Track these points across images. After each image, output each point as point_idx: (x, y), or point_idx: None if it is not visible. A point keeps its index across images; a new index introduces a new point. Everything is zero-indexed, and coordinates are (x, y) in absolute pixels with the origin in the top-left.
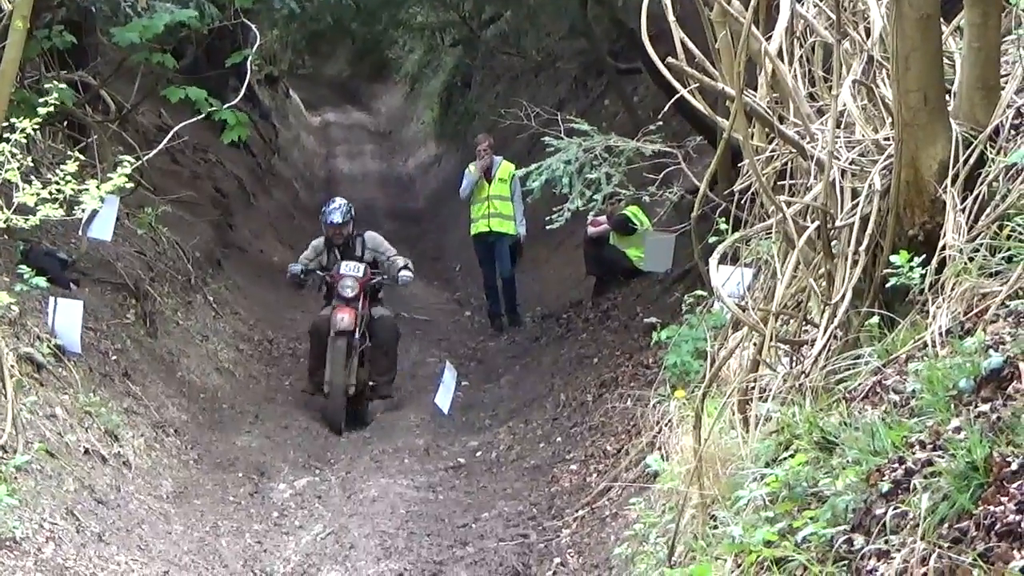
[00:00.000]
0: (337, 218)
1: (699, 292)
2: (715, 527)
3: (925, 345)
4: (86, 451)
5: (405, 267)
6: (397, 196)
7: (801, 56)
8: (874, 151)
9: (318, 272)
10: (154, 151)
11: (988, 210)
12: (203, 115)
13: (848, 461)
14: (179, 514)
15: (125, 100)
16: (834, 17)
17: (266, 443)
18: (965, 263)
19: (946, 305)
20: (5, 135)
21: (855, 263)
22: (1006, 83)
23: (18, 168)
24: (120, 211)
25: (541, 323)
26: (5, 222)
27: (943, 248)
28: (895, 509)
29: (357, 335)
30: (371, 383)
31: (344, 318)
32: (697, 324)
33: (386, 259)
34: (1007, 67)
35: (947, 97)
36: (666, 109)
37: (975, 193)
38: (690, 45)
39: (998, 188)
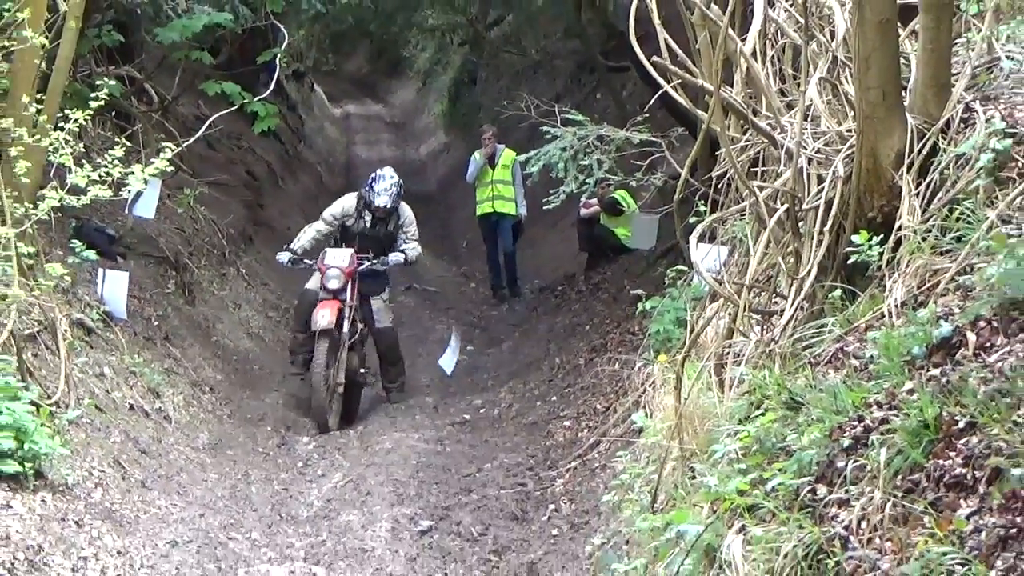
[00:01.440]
0: (383, 201)
1: (680, 267)
2: (693, 478)
3: (882, 316)
4: (131, 407)
5: (402, 250)
6: (410, 180)
7: (773, 56)
8: (838, 141)
9: (306, 260)
10: (193, 138)
11: (940, 195)
12: (236, 107)
13: (813, 419)
14: (214, 463)
15: (167, 92)
16: (802, 21)
17: (291, 400)
18: (919, 242)
19: (901, 280)
20: (60, 124)
21: (820, 242)
22: (956, 81)
23: (71, 153)
24: (162, 192)
25: (538, 294)
26: (59, 201)
27: (899, 229)
28: (855, 462)
29: (345, 329)
30: (385, 390)
31: (325, 316)
32: (678, 296)
33: (405, 239)
34: (957, 67)
35: (903, 93)
36: (651, 103)
37: (928, 180)
38: (673, 46)
39: (949, 175)
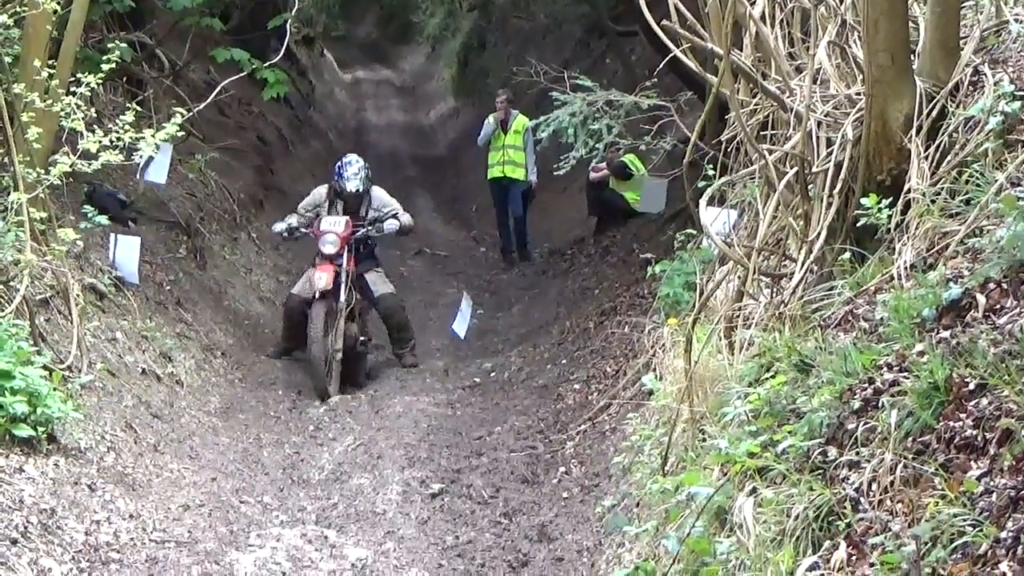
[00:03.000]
0: (352, 185)
1: (690, 231)
2: (704, 440)
3: (892, 278)
4: (143, 371)
5: (395, 216)
6: (420, 144)
7: (782, 19)
8: (847, 105)
9: (301, 229)
10: (203, 104)
11: (949, 158)
12: (246, 72)
13: (823, 381)
14: (226, 427)
15: (178, 58)
16: None
17: (303, 364)
18: (928, 205)
19: (911, 243)
20: (71, 89)
21: (829, 205)
22: (965, 44)
23: (83, 118)
24: (173, 157)
25: (548, 258)
26: (71, 166)
27: (908, 192)
28: (865, 424)
29: (342, 296)
30: (397, 356)
31: (323, 277)
32: (688, 259)
33: (385, 212)
34: (966, 30)
35: (912, 56)
36: (660, 67)
37: (937, 143)
38: (683, 9)
39: (957, 138)
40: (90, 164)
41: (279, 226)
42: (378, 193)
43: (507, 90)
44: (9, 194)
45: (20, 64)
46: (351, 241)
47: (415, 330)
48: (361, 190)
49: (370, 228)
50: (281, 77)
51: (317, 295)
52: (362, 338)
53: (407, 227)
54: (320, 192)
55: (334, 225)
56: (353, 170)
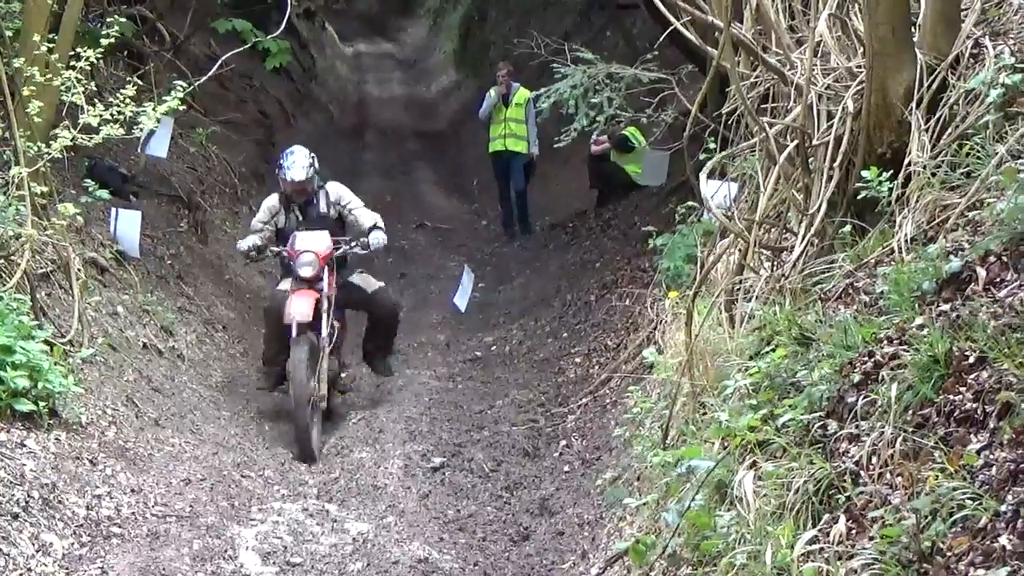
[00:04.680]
0: (299, 174)
1: (691, 203)
2: (704, 413)
3: (892, 251)
4: (144, 345)
5: (375, 227)
6: (421, 118)
7: None
8: (847, 77)
9: (272, 248)
10: (204, 77)
11: (949, 130)
12: (248, 45)
13: (823, 355)
14: (227, 401)
15: (178, 32)
16: None
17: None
18: (928, 178)
19: (911, 215)
20: (72, 63)
21: (830, 178)
22: (966, 16)
23: (83, 92)
24: (174, 131)
25: (549, 232)
26: (72, 140)
27: (909, 164)
28: (865, 398)
29: (324, 328)
30: (371, 358)
31: (301, 306)
32: (688, 232)
33: (350, 214)
34: (966, 2)
35: (913, 29)
36: (661, 40)
37: (937, 115)
38: None
39: (958, 111)
40: (91, 138)
41: (244, 243)
42: (336, 188)
43: (508, 63)
44: (10, 168)
45: (21, 38)
46: (331, 258)
47: (415, 307)
48: (305, 178)
49: (354, 245)
50: (283, 46)
51: (295, 331)
52: (342, 375)
53: (386, 239)
54: (272, 201)
55: (312, 243)
56: (294, 158)
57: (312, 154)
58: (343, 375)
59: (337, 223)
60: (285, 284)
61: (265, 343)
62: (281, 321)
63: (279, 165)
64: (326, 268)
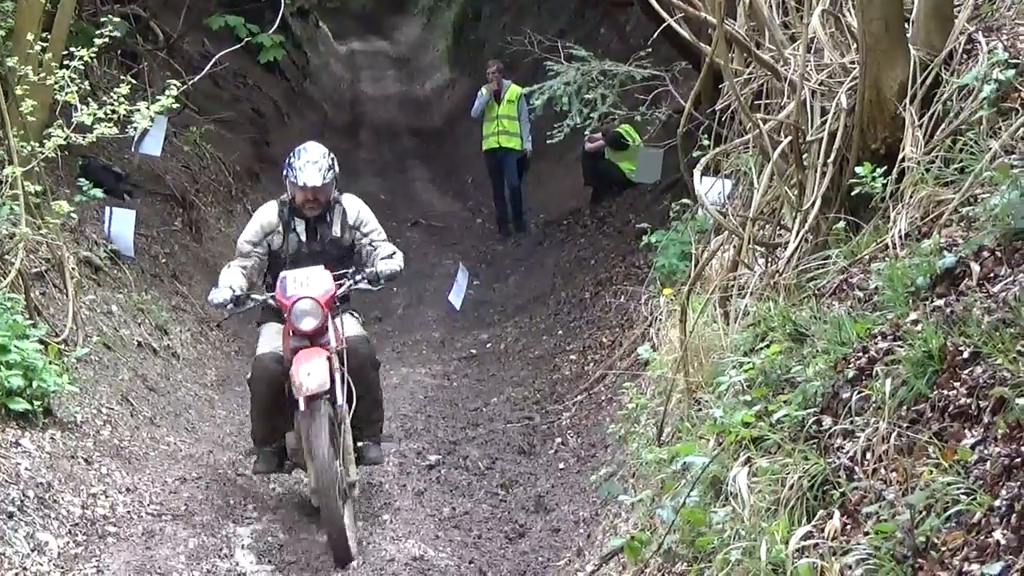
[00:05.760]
0: (314, 178)
1: (685, 200)
2: (699, 410)
3: (886, 247)
4: (139, 344)
5: (391, 256)
6: (415, 116)
7: None
8: (841, 73)
9: (253, 297)
10: (198, 76)
11: (943, 126)
12: (242, 43)
13: (817, 350)
14: (222, 400)
15: (172, 31)
16: None
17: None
18: (922, 174)
19: (905, 211)
20: (65, 62)
21: (824, 174)
22: (959, 12)
23: (77, 91)
24: (168, 130)
25: (544, 229)
26: (66, 139)
27: (902, 160)
28: (859, 393)
29: (340, 393)
30: (353, 439)
31: (315, 371)
32: (683, 229)
33: (368, 245)
34: None
35: (906, 25)
36: (655, 37)
37: (931, 111)
38: None
39: (952, 106)
40: (85, 137)
41: (218, 294)
42: (355, 204)
43: (498, 60)
44: (3, 167)
45: (14, 37)
46: (335, 303)
47: (409, 305)
48: (322, 184)
49: (361, 278)
50: (276, 41)
51: (303, 402)
52: (359, 443)
53: (401, 271)
54: (268, 214)
55: (310, 285)
56: (311, 157)
57: (331, 154)
58: (360, 444)
59: (348, 252)
60: (269, 343)
61: (255, 420)
62: (274, 392)
63: (288, 165)
64: (329, 315)
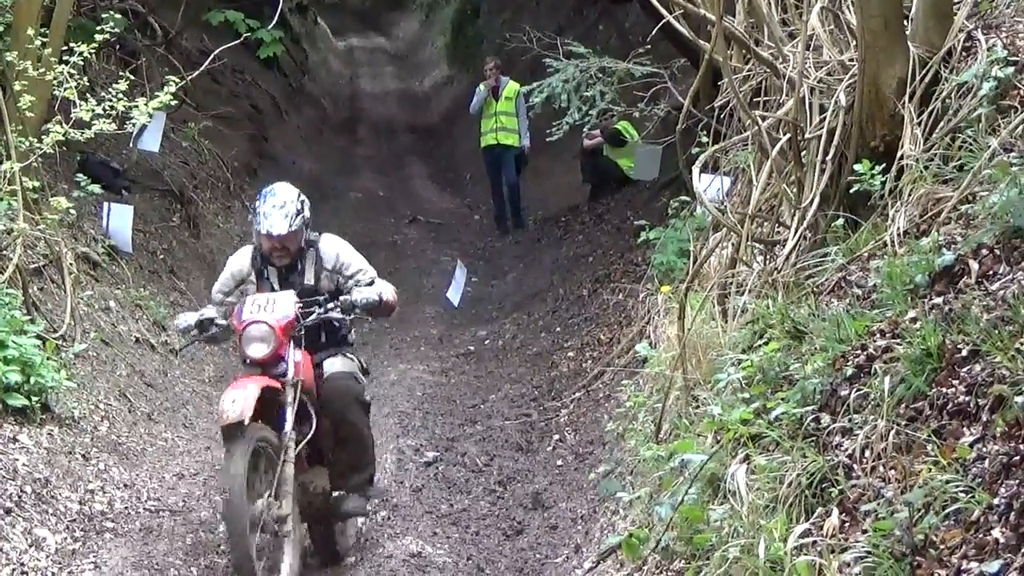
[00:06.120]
0: (279, 225)
1: (683, 197)
2: (697, 407)
3: (885, 244)
4: (137, 340)
5: (370, 284)
6: (414, 112)
7: None
8: (840, 71)
9: (218, 322)
10: (197, 72)
11: (942, 124)
12: (240, 39)
13: (816, 348)
14: (219, 396)
15: (170, 26)
16: None
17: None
18: (921, 171)
19: (904, 209)
20: (64, 58)
21: (823, 171)
22: (958, 9)
23: (76, 87)
24: (166, 125)
25: (542, 226)
26: (64, 135)
27: (901, 158)
28: (858, 391)
29: (288, 425)
30: (334, 490)
31: (237, 400)
32: (681, 226)
33: (354, 288)
34: None
35: (905, 22)
36: (654, 34)
37: (930, 108)
38: None
39: (951, 104)
40: (83, 133)
41: (183, 319)
42: (332, 246)
43: (495, 57)
44: (2, 163)
45: (12, 32)
46: (298, 330)
47: (407, 302)
48: (288, 232)
49: (333, 306)
50: (276, 36)
51: (221, 431)
52: (336, 493)
53: (389, 302)
54: (240, 261)
55: (267, 310)
56: (278, 201)
57: (302, 197)
58: (336, 493)
59: (331, 295)
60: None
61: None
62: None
63: (253, 210)
64: (291, 345)
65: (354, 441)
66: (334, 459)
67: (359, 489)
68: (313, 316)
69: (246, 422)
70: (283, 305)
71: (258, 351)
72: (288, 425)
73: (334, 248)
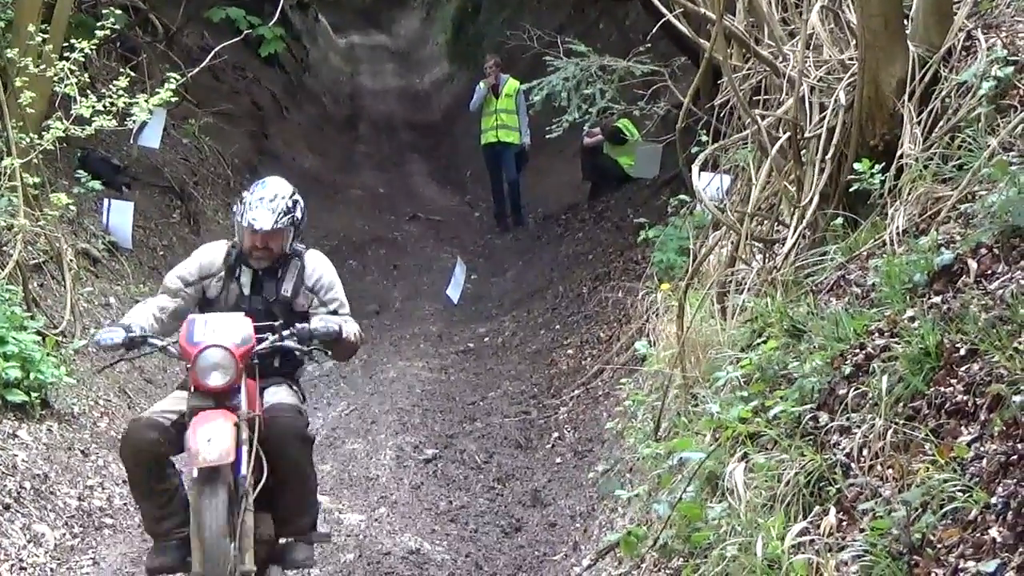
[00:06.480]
0: (265, 219)
1: (683, 196)
2: (696, 405)
3: (884, 243)
4: None
5: (334, 315)
6: (414, 110)
7: None
8: (840, 70)
9: (151, 342)
10: (197, 69)
11: (941, 123)
12: (241, 36)
13: (815, 347)
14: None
15: (171, 23)
16: None
17: None
18: (920, 170)
19: (903, 208)
20: (65, 55)
21: (822, 170)
22: (958, 9)
23: (76, 83)
24: (167, 122)
25: (542, 223)
26: (65, 131)
27: (901, 157)
28: (856, 390)
29: (245, 464)
30: (278, 538)
31: (215, 437)
32: (681, 224)
33: (327, 315)
34: None
35: (905, 21)
36: (654, 32)
37: (930, 108)
38: None
39: (950, 103)
40: (83, 129)
41: (108, 336)
42: (318, 264)
43: (495, 54)
44: (2, 159)
45: (13, 29)
46: (252, 358)
47: (407, 299)
48: (273, 228)
49: (289, 334)
50: (277, 33)
51: (198, 472)
52: (282, 541)
53: (350, 340)
54: (214, 251)
55: (220, 332)
56: (267, 194)
57: (296, 197)
58: (283, 541)
59: (298, 319)
60: (159, 405)
61: (139, 505)
62: (151, 468)
63: (240, 199)
64: (242, 373)
65: (298, 482)
66: (276, 502)
67: (302, 534)
68: (267, 343)
69: (229, 463)
70: (240, 328)
71: (217, 379)
72: (244, 467)
73: (319, 267)
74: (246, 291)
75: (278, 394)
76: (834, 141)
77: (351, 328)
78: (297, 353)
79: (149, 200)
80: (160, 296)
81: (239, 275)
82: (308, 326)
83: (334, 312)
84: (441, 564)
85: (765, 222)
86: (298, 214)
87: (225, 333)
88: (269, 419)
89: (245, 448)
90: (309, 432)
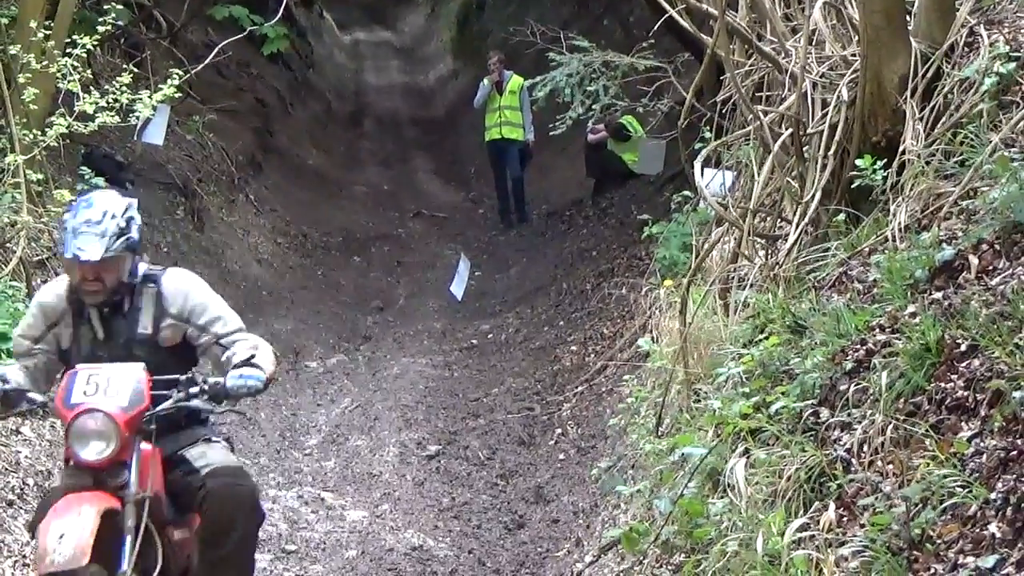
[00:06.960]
0: (92, 249)
1: (686, 192)
2: (698, 401)
3: (886, 239)
4: None
5: (248, 361)
6: (419, 106)
7: None
8: (842, 66)
9: (31, 398)
10: (201, 65)
11: (943, 119)
12: (245, 32)
13: (816, 343)
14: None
15: (175, 19)
16: None
17: (300, 326)
18: (922, 166)
19: (905, 204)
20: (68, 51)
21: (824, 166)
22: (960, 5)
23: (79, 80)
24: (170, 119)
25: (546, 220)
26: (68, 128)
27: (903, 153)
28: (857, 385)
29: (127, 560)
30: None
31: (64, 537)
32: (684, 221)
33: (214, 342)
34: None
35: (908, 17)
36: (657, 28)
37: (932, 104)
38: None
39: (953, 99)
40: (87, 125)
41: None
42: (180, 284)
43: (499, 51)
44: (5, 156)
45: (17, 25)
46: (147, 420)
47: (411, 295)
48: (102, 258)
49: (197, 392)
50: (281, 32)
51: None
52: None
53: (275, 379)
54: (54, 290)
55: (104, 391)
56: (92, 215)
57: (130, 212)
58: None
59: (177, 354)
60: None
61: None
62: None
63: (61, 223)
64: (138, 441)
65: (235, 568)
66: (207, 565)
67: None
68: (169, 403)
69: (83, 567)
70: (129, 384)
71: (94, 452)
72: (126, 563)
73: (181, 287)
74: (99, 334)
75: (208, 456)
76: (836, 137)
77: (268, 362)
78: (210, 407)
79: (153, 197)
80: (16, 357)
81: (87, 316)
82: (223, 383)
83: (223, 336)
84: (444, 560)
85: (767, 218)
86: (134, 234)
87: (110, 393)
88: (209, 489)
89: (130, 539)
90: (260, 502)
